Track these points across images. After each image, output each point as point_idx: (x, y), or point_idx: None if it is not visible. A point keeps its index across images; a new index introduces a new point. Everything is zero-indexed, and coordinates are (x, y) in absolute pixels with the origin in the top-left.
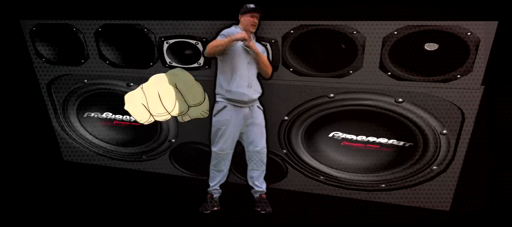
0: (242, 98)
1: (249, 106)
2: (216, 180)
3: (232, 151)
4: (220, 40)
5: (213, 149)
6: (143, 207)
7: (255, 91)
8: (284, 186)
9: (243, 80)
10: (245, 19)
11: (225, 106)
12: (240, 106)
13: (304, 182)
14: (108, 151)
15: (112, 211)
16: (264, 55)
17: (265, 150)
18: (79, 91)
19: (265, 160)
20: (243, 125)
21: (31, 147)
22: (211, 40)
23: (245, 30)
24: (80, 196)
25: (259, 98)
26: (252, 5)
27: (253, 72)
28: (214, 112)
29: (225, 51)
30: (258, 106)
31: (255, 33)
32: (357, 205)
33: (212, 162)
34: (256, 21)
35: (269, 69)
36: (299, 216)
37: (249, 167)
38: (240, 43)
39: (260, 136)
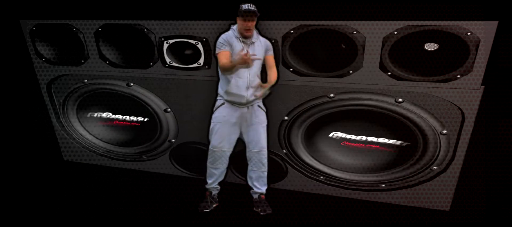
0: (240, 101)
1: (247, 107)
2: (213, 178)
3: (229, 149)
4: (226, 62)
5: (210, 145)
6: (143, 207)
7: (253, 93)
8: (284, 186)
9: (242, 82)
10: (239, 22)
11: (222, 104)
12: (238, 106)
13: (304, 182)
14: (108, 151)
15: (112, 211)
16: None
17: (265, 150)
18: (79, 91)
19: (264, 161)
20: (242, 124)
21: (31, 147)
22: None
23: (240, 33)
24: (80, 196)
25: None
26: (245, 6)
27: (254, 73)
28: (213, 109)
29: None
30: (259, 106)
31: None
32: (357, 205)
33: (209, 159)
34: (249, 25)
35: (273, 78)
36: (299, 216)
37: (249, 167)
38: (239, 47)
39: (259, 136)
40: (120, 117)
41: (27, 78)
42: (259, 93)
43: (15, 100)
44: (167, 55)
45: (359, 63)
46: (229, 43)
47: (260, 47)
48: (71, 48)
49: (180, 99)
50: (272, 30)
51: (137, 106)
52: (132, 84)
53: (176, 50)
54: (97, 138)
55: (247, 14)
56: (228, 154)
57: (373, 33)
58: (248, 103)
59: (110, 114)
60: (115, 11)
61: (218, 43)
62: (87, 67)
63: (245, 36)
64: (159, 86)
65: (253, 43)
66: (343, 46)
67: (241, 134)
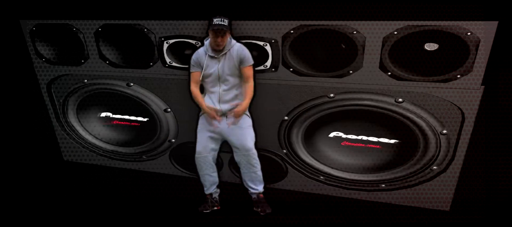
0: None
1: (225, 116)
2: (206, 184)
3: (211, 155)
4: (193, 90)
5: None
6: (143, 207)
7: (229, 104)
8: (284, 186)
9: (214, 96)
10: (211, 35)
11: (203, 113)
12: None
13: (304, 182)
14: (108, 151)
15: (112, 211)
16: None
17: (251, 152)
18: (79, 91)
19: (253, 161)
20: (223, 131)
21: (31, 147)
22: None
23: (211, 46)
24: (80, 196)
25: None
26: (216, 20)
27: (227, 87)
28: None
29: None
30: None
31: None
32: (357, 205)
33: (196, 166)
34: (220, 40)
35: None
36: (299, 216)
37: (240, 170)
38: (210, 66)
39: (243, 139)
40: (120, 117)
41: (27, 78)
42: (236, 110)
43: (15, 100)
44: (167, 55)
45: (359, 63)
46: (199, 63)
47: (231, 59)
48: (71, 48)
49: (180, 99)
50: (272, 30)
51: (137, 106)
52: (132, 84)
53: (176, 50)
54: (97, 138)
55: (218, 29)
56: (211, 159)
57: (373, 33)
58: (224, 114)
59: (110, 114)
60: (115, 11)
61: (190, 61)
62: (87, 67)
63: (215, 50)
64: (159, 86)
65: (224, 55)
66: (343, 46)
67: (227, 140)
